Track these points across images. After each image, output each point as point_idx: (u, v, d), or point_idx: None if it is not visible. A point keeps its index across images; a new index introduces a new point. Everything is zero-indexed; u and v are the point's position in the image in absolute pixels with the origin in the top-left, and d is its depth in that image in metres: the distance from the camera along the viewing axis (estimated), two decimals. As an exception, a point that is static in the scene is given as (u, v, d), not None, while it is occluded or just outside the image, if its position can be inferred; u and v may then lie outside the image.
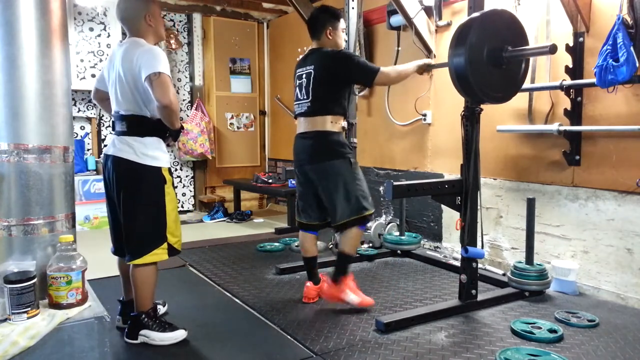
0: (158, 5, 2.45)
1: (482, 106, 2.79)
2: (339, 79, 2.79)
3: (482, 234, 2.88)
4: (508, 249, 3.63)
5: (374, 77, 2.75)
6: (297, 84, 2.91)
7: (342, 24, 2.94)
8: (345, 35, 2.99)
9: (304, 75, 2.87)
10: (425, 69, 3.01)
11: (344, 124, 2.89)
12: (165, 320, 2.52)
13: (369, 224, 3.82)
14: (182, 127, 2.44)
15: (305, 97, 2.84)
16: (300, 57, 3.05)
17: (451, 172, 3.99)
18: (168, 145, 2.52)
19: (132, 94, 2.30)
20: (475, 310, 2.84)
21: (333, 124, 2.80)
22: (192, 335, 2.53)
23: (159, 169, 2.36)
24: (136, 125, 2.34)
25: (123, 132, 2.36)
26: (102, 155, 2.51)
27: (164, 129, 2.37)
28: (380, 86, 2.98)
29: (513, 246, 3.59)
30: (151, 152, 2.34)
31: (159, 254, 2.38)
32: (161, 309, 2.79)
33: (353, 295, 2.83)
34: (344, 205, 2.77)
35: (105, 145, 5.65)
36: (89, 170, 5.37)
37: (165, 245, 2.39)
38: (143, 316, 2.42)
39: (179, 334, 2.45)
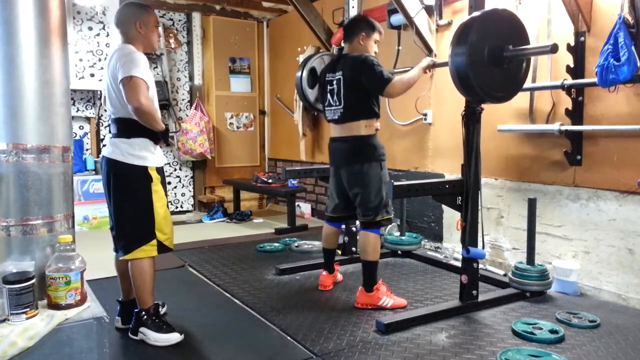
0: (154, 17, 2.54)
1: (482, 106, 2.78)
2: (361, 84, 2.87)
3: (483, 234, 2.87)
4: (509, 249, 3.62)
5: (384, 87, 2.81)
6: (329, 89, 3.02)
7: (376, 35, 3.03)
8: (376, 47, 3.08)
9: (334, 82, 2.98)
10: (430, 68, 3.03)
11: (378, 125, 2.99)
12: (165, 321, 2.52)
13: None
14: (167, 129, 2.52)
15: (337, 103, 2.96)
16: (330, 57, 3.10)
17: (452, 172, 3.98)
18: (167, 146, 2.60)
19: (117, 98, 2.41)
20: (476, 311, 2.84)
21: (367, 127, 2.91)
22: (191, 336, 2.53)
23: (145, 168, 2.45)
24: (124, 127, 2.44)
25: (115, 134, 2.48)
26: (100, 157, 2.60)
27: (152, 130, 2.44)
28: (389, 97, 3.08)
29: (514, 246, 3.58)
30: (137, 152, 2.43)
31: (148, 250, 2.46)
32: (160, 310, 2.79)
33: (387, 300, 2.91)
34: (368, 207, 2.91)
35: (104, 146, 5.65)
36: (88, 170, 5.36)
37: (154, 241, 2.47)
38: (142, 313, 2.47)
39: (173, 337, 2.47)
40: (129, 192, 2.44)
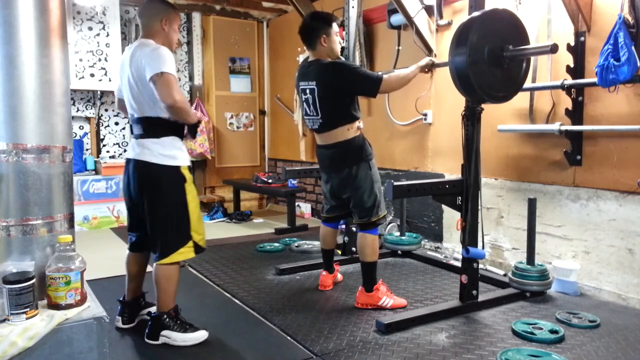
0: (179, 18, 2.53)
1: (483, 106, 2.78)
2: (343, 93, 2.81)
3: (483, 235, 2.87)
4: (509, 249, 3.62)
5: (377, 88, 2.76)
6: (304, 99, 2.94)
7: (335, 28, 2.90)
8: (342, 39, 3.02)
9: (307, 91, 2.88)
10: (429, 68, 3.02)
11: (360, 124, 2.92)
12: (186, 321, 2.50)
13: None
14: (198, 121, 2.47)
15: (314, 113, 2.89)
16: (301, 62, 3.10)
17: (452, 172, 3.98)
18: (193, 139, 2.56)
19: (142, 96, 2.34)
20: (476, 311, 2.84)
21: (349, 130, 2.86)
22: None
23: (177, 168, 2.39)
24: (152, 126, 2.36)
25: (140, 135, 2.39)
26: (124, 159, 2.55)
27: (180, 126, 2.40)
28: (382, 94, 2.92)
29: (514, 246, 3.58)
30: (168, 151, 2.36)
31: (185, 253, 2.42)
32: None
33: (387, 300, 2.91)
34: (363, 208, 2.90)
35: (104, 146, 5.64)
36: (88, 170, 5.36)
37: (191, 243, 2.44)
38: (165, 317, 2.43)
39: (201, 335, 2.46)
40: (163, 194, 2.37)
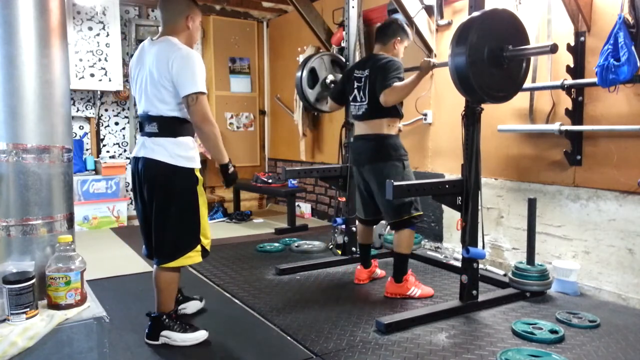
0: (200, 14, 2.49)
1: (482, 106, 2.78)
2: None
3: (483, 234, 2.87)
4: (509, 249, 3.62)
5: (381, 90, 2.89)
6: (355, 86, 3.11)
7: (407, 42, 3.20)
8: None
9: (362, 79, 3.07)
10: (429, 68, 3.04)
11: (401, 125, 3.11)
12: (185, 321, 2.50)
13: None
14: (229, 164, 2.45)
15: (363, 99, 3.06)
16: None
17: (452, 172, 3.98)
18: (228, 186, 2.54)
19: (162, 95, 2.27)
20: (476, 311, 2.84)
21: (390, 127, 3.04)
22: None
23: (192, 170, 2.35)
24: (168, 125, 2.30)
25: (154, 133, 2.32)
26: (130, 158, 2.46)
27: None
28: (383, 103, 2.96)
29: (514, 246, 3.58)
30: (184, 152, 2.31)
31: (193, 257, 2.39)
32: (198, 304, 2.85)
33: (415, 290, 3.05)
34: (395, 206, 2.98)
35: (104, 146, 5.64)
36: (88, 170, 5.36)
37: (199, 247, 2.41)
38: (164, 317, 2.43)
39: (200, 335, 2.46)
40: (175, 196, 2.31)
